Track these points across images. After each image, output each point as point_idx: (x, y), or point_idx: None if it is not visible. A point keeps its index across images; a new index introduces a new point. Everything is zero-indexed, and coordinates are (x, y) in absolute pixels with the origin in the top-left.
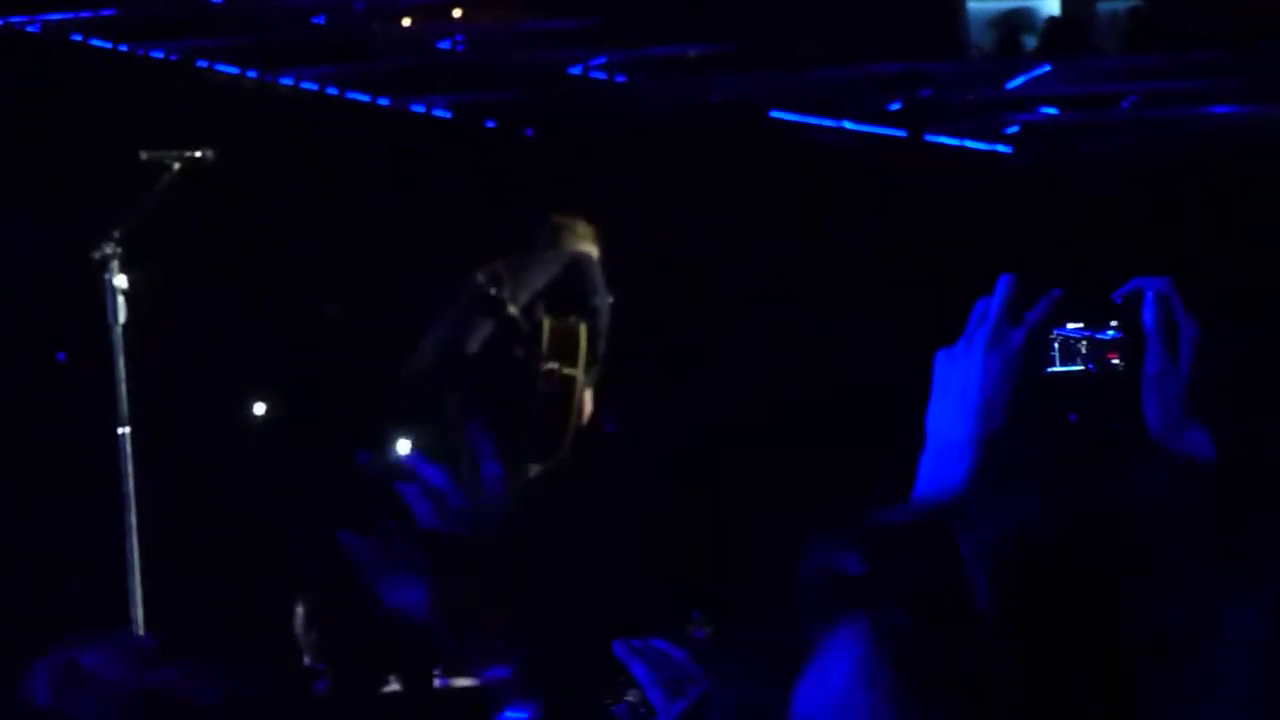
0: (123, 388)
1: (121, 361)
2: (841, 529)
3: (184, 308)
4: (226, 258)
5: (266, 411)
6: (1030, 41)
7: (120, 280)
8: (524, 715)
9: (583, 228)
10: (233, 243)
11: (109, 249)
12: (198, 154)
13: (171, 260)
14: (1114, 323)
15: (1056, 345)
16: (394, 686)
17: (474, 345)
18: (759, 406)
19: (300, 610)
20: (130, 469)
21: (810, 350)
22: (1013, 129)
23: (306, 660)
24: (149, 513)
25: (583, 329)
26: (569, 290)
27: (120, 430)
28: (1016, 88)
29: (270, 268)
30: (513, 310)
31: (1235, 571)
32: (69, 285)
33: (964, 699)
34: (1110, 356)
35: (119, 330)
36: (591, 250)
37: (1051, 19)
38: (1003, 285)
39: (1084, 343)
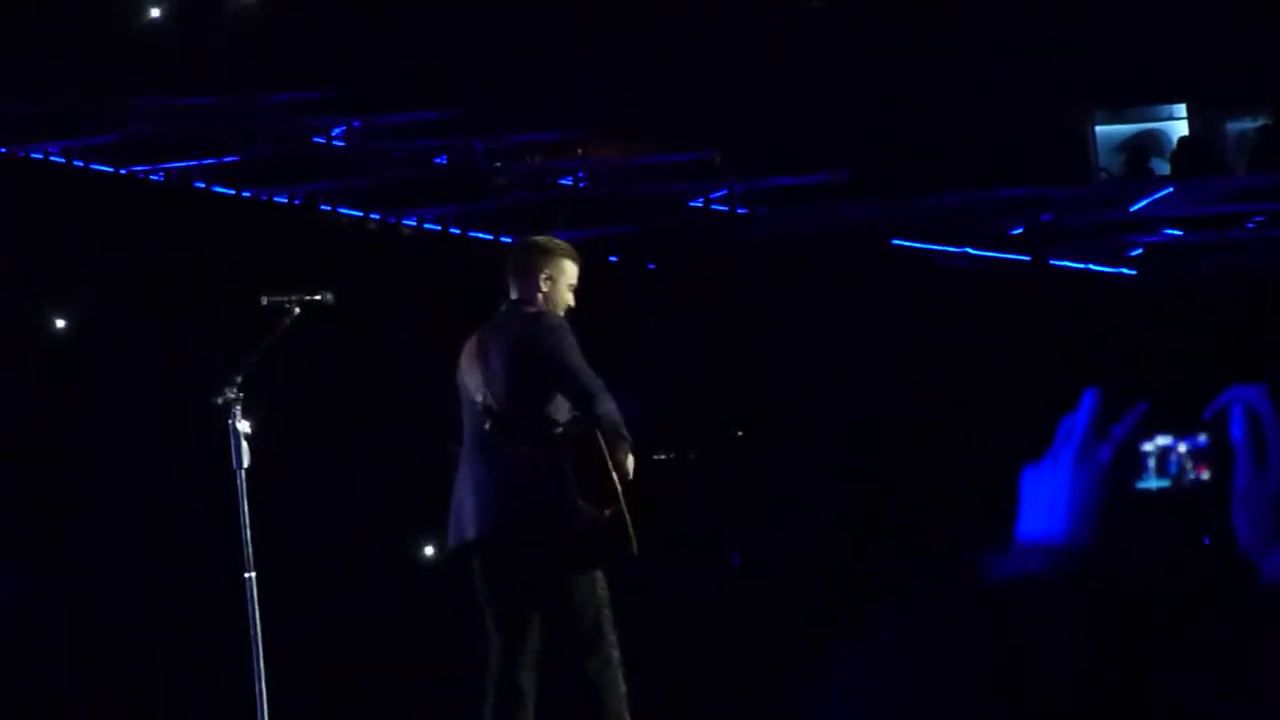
0: (247, 532)
1: (246, 506)
2: None
3: (308, 450)
4: (350, 399)
5: (401, 552)
6: (1159, 164)
7: (244, 425)
8: None
9: (559, 246)
10: (356, 384)
11: (231, 393)
12: (318, 297)
13: (295, 403)
14: (1203, 436)
15: (1144, 459)
16: None
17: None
18: (872, 528)
19: None
20: (257, 613)
21: (933, 474)
22: (1136, 251)
23: None
24: (277, 657)
25: (600, 442)
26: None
27: (246, 575)
28: (1140, 209)
29: (394, 408)
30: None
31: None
32: (193, 430)
33: None
34: (1199, 470)
35: (243, 474)
36: (570, 274)
37: (1181, 139)
38: (1088, 400)
39: (1173, 456)
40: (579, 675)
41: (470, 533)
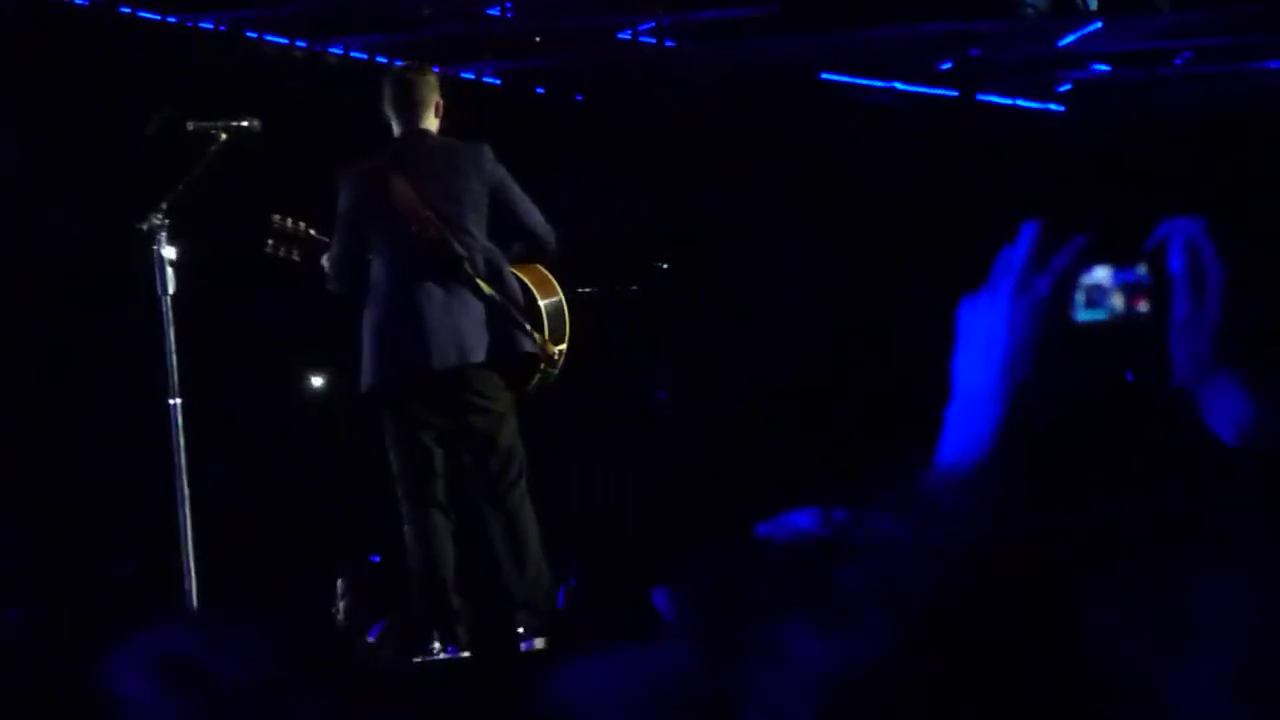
0: (173, 359)
1: (171, 333)
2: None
3: (232, 278)
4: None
5: (318, 383)
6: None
7: (169, 251)
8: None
9: (437, 75)
10: (281, 212)
11: (157, 220)
12: (244, 123)
13: (220, 230)
14: (1141, 268)
15: (1083, 292)
16: (437, 654)
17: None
18: (803, 365)
19: (341, 583)
20: (181, 441)
21: (859, 313)
22: (1065, 87)
23: (345, 629)
24: (200, 485)
25: (548, 276)
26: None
27: (171, 401)
28: (1068, 45)
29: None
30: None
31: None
32: (118, 257)
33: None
34: (1137, 303)
35: (168, 301)
36: (435, 107)
37: None
38: (1027, 233)
39: (1111, 289)
40: (499, 512)
41: (431, 363)
